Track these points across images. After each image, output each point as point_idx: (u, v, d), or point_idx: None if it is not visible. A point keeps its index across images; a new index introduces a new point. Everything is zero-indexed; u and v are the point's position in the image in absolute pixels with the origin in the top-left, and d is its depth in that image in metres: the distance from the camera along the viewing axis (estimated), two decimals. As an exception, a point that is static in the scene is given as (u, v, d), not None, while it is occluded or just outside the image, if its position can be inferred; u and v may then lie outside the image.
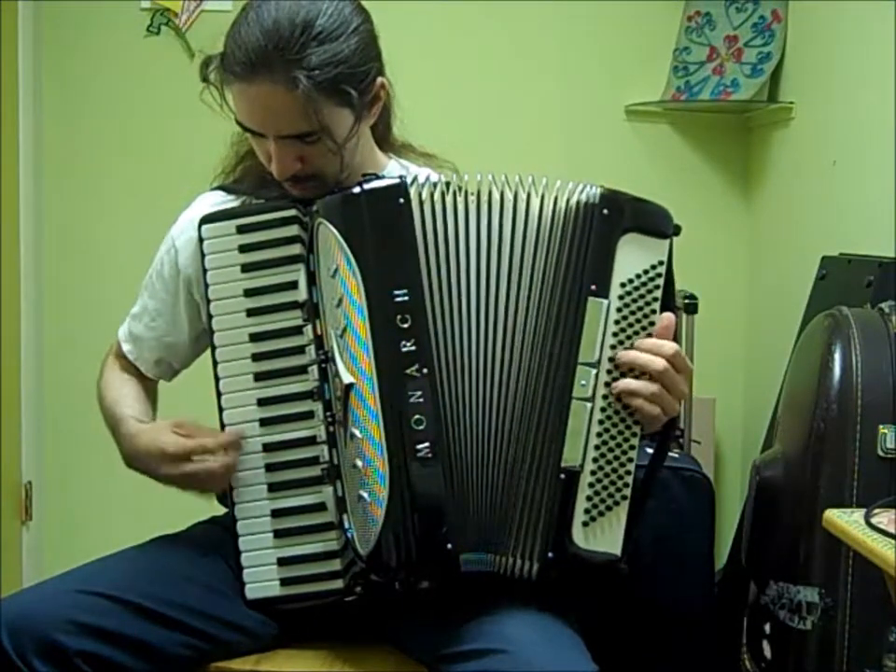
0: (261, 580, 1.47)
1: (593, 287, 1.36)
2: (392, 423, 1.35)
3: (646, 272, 1.38)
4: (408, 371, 1.35)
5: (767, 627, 1.77)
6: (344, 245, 1.37)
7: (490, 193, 1.40)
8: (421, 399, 1.35)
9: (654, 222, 1.39)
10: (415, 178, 1.40)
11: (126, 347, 1.69)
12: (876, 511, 1.31)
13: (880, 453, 1.63)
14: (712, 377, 2.87)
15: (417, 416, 1.35)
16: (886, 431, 1.63)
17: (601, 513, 1.36)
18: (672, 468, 1.86)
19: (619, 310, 1.37)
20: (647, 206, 1.40)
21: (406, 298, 1.36)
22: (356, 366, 1.36)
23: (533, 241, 1.39)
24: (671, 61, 2.97)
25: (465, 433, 1.37)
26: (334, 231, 1.38)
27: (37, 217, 3.03)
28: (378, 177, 1.41)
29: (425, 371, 1.36)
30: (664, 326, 1.38)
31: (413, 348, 1.36)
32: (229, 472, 1.46)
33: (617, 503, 1.36)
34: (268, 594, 1.47)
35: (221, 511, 1.64)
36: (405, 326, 1.36)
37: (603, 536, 1.36)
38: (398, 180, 1.40)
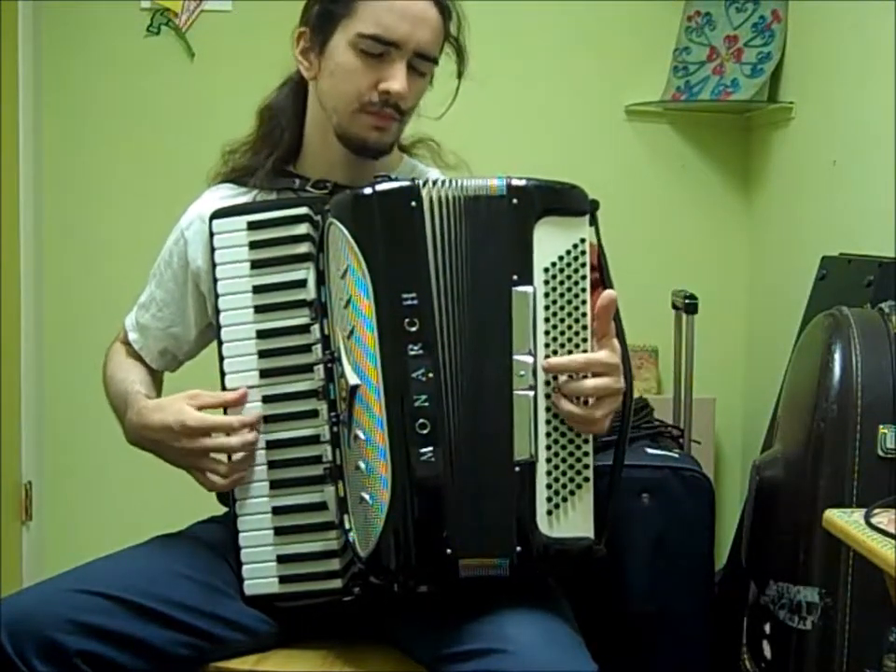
0: (260, 576, 1.47)
1: (514, 277, 1.36)
2: (396, 426, 1.35)
3: (568, 252, 1.36)
4: (414, 375, 1.35)
5: (767, 627, 1.77)
6: (355, 246, 1.37)
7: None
8: (426, 404, 1.35)
9: (567, 202, 1.39)
10: (427, 181, 1.39)
11: (132, 336, 1.70)
12: (876, 511, 1.31)
13: (880, 453, 1.63)
14: (712, 377, 2.87)
15: (422, 420, 1.35)
16: (886, 431, 1.63)
17: (564, 499, 1.36)
18: (672, 468, 1.86)
19: (546, 294, 1.36)
20: (557, 188, 1.40)
21: (414, 301, 1.36)
22: (362, 367, 1.36)
23: (470, 239, 1.38)
24: (671, 61, 2.97)
25: (467, 437, 1.37)
26: (345, 231, 1.38)
27: (37, 218, 3.03)
28: (390, 178, 1.41)
29: (430, 375, 1.35)
30: (602, 306, 1.36)
31: (420, 352, 1.35)
32: (245, 452, 1.45)
33: (579, 486, 1.36)
34: (266, 590, 1.47)
35: (221, 510, 1.64)
36: (413, 329, 1.36)
37: (569, 521, 1.36)
38: (410, 183, 1.40)
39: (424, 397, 1.35)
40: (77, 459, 3.08)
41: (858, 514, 1.31)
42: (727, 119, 3.01)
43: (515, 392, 1.35)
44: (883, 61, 2.20)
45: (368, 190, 1.39)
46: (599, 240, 1.41)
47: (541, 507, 1.35)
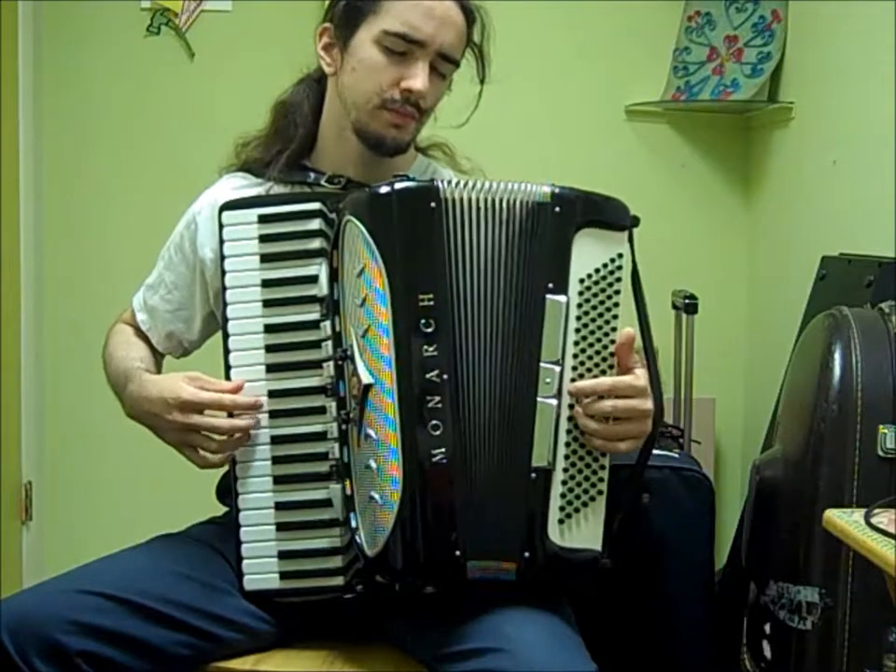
0: (261, 571, 1.46)
1: (550, 285, 1.36)
2: (409, 427, 1.35)
3: (605, 265, 1.37)
4: (428, 376, 1.35)
5: (767, 627, 1.77)
6: (372, 245, 1.36)
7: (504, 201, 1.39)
8: (440, 405, 1.35)
9: (609, 215, 1.39)
10: (448, 181, 1.39)
11: (140, 317, 1.70)
12: (876, 511, 1.31)
13: (880, 453, 1.63)
14: (712, 377, 2.87)
15: (435, 422, 1.35)
16: (886, 431, 1.63)
17: (577, 510, 1.36)
18: (672, 468, 1.86)
19: (580, 305, 1.36)
20: (600, 200, 1.40)
21: (431, 302, 1.36)
22: (375, 367, 1.36)
23: (503, 244, 1.38)
24: (671, 61, 2.97)
25: (479, 439, 1.37)
26: (362, 229, 1.37)
27: (37, 217, 3.03)
28: (408, 178, 1.40)
29: (445, 376, 1.35)
30: (621, 343, 1.37)
31: (435, 353, 1.35)
32: (234, 435, 1.45)
33: (593, 498, 1.36)
34: (266, 586, 1.46)
35: (221, 511, 1.64)
36: (428, 330, 1.35)
37: (580, 532, 1.36)
38: (429, 183, 1.39)
39: (437, 398, 1.35)
40: (77, 459, 3.08)
41: (858, 514, 1.31)
42: (727, 119, 3.01)
43: (539, 399, 1.35)
44: (883, 61, 2.20)
45: (385, 189, 1.38)
46: (633, 257, 1.41)
47: (554, 515, 1.35)
